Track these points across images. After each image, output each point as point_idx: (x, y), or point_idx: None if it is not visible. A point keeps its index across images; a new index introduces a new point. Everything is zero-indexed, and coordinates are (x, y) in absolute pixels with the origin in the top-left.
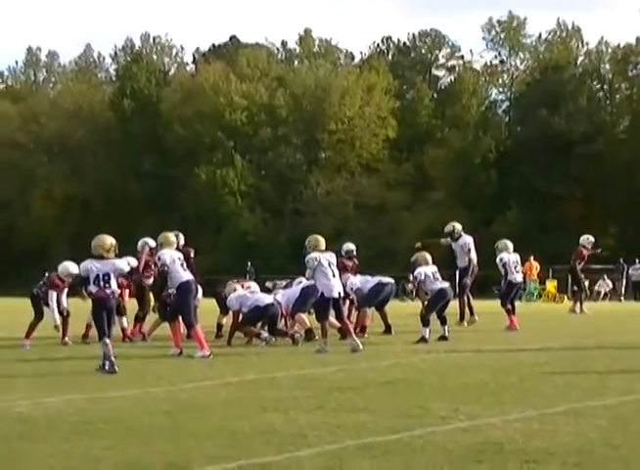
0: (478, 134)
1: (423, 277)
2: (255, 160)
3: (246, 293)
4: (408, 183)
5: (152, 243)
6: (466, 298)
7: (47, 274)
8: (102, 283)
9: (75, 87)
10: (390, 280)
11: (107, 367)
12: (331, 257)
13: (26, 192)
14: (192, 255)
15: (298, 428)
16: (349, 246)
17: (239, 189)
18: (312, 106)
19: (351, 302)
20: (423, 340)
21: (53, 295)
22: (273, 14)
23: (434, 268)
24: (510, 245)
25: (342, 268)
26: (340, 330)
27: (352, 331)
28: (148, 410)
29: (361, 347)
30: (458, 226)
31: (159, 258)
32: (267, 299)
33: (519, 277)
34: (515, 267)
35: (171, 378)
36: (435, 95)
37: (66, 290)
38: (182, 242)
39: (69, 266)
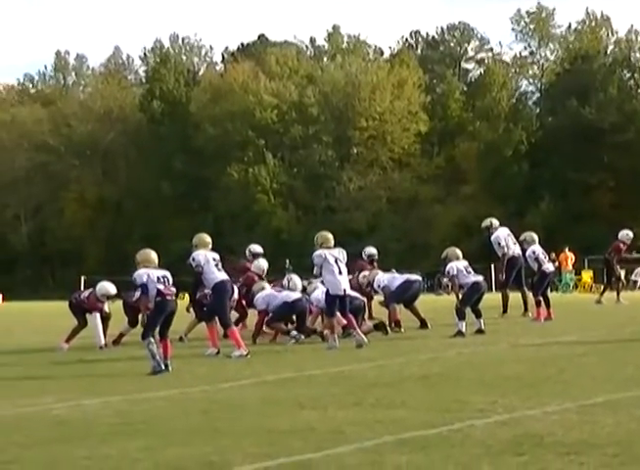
0: (508, 126)
1: (455, 272)
2: (287, 157)
3: (273, 291)
4: (440, 177)
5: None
6: (504, 293)
7: (83, 286)
8: (165, 282)
9: (105, 90)
10: (418, 277)
11: (156, 367)
12: (339, 253)
13: (59, 195)
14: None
15: (336, 425)
16: (371, 250)
17: (271, 187)
18: (342, 102)
19: (368, 297)
20: (459, 334)
21: (96, 317)
22: (301, 11)
23: (465, 263)
24: (536, 237)
25: (362, 269)
26: (344, 328)
27: (357, 326)
28: (185, 410)
29: (366, 341)
30: (495, 222)
31: (193, 259)
32: (295, 295)
33: (551, 267)
34: (545, 257)
35: (208, 378)
36: (465, 88)
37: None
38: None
39: (108, 287)
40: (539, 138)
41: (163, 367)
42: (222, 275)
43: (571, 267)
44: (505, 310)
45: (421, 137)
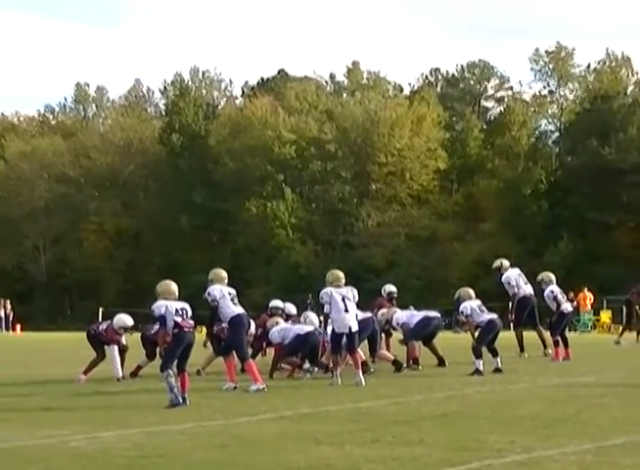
0: (528, 165)
1: (469, 311)
2: (305, 193)
3: (287, 325)
4: (459, 214)
5: None
6: (517, 333)
7: (101, 318)
8: (183, 315)
9: (125, 122)
10: (437, 314)
11: (174, 400)
12: (348, 291)
13: (78, 226)
14: None
15: (354, 462)
16: (390, 287)
17: (289, 222)
18: (361, 138)
19: (387, 334)
20: (477, 372)
21: (114, 349)
22: (321, 47)
23: (479, 302)
24: (553, 277)
25: (380, 307)
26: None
27: (360, 366)
28: (203, 444)
29: (364, 383)
30: (505, 262)
31: (209, 294)
32: (307, 327)
33: (569, 307)
34: (563, 297)
35: (226, 412)
36: (485, 126)
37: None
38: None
39: (125, 319)
40: (559, 177)
41: (181, 401)
42: (238, 309)
43: (589, 307)
44: (522, 349)
45: (440, 174)
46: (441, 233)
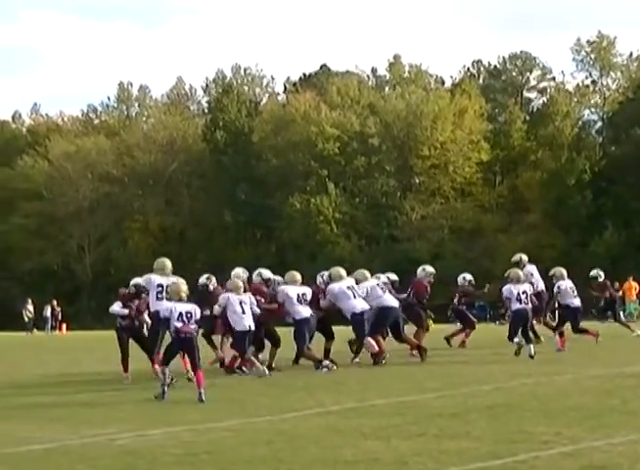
0: (571, 155)
1: (508, 295)
2: (349, 187)
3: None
4: (503, 206)
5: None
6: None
7: (146, 315)
8: (186, 319)
9: (168, 120)
10: (394, 304)
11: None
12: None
13: (122, 225)
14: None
15: (400, 455)
16: (430, 269)
17: (333, 217)
18: (404, 132)
19: None
20: (517, 345)
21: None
22: (363, 41)
23: (526, 288)
24: (564, 272)
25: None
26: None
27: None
28: (249, 441)
29: (267, 373)
30: (525, 257)
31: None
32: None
33: (577, 301)
34: (573, 293)
35: (272, 408)
36: (528, 117)
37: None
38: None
39: (136, 279)
40: (603, 167)
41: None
42: (159, 305)
43: (634, 297)
44: (556, 328)
45: (483, 166)
46: (485, 225)
